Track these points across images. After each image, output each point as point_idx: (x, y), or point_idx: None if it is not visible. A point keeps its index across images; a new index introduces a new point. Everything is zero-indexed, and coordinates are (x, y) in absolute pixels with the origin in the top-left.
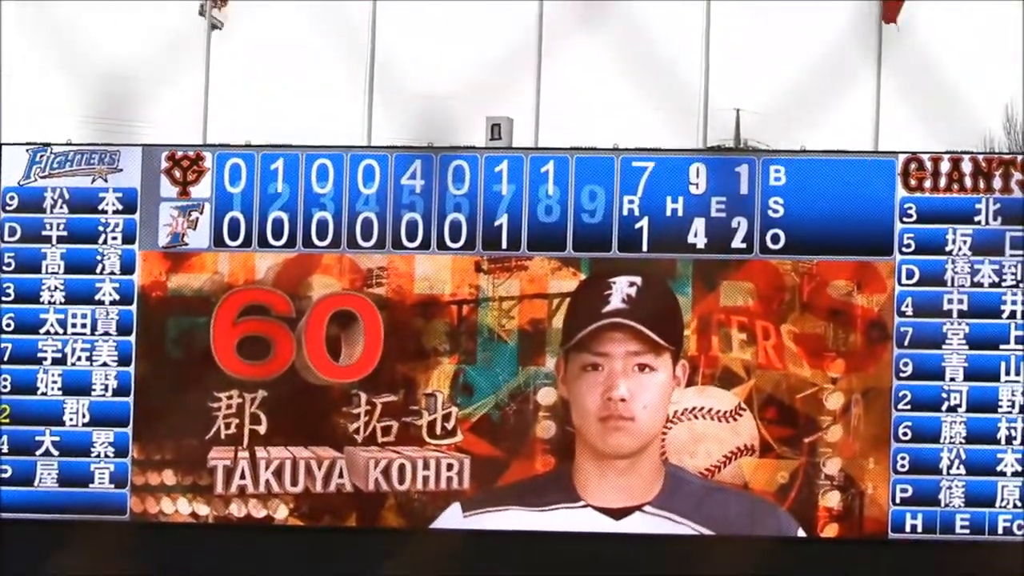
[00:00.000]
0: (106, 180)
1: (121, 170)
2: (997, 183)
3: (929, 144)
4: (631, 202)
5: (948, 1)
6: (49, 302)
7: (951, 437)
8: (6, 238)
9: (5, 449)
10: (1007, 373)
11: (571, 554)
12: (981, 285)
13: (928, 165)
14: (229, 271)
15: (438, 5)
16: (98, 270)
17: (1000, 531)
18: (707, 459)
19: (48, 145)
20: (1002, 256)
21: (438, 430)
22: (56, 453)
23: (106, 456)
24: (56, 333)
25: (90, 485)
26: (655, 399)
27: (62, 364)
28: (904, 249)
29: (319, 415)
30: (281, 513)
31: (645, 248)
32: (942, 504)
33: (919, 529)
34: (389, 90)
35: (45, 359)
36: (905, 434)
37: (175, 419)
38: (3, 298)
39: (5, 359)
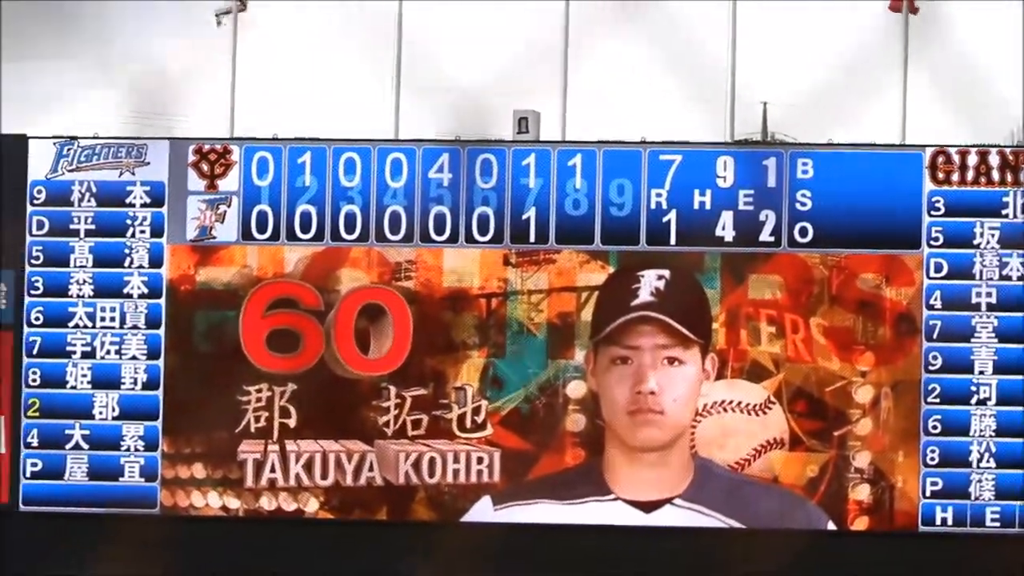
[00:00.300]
0: (133, 173)
1: (148, 163)
2: None
3: (957, 138)
4: (659, 195)
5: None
6: (78, 296)
7: (981, 430)
8: (34, 232)
9: (35, 443)
10: None
11: (602, 546)
12: (1009, 278)
13: (955, 158)
14: (258, 264)
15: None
16: (126, 263)
17: None
18: (737, 452)
19: (75, 139)
20: None
21: (468, 423)
22: (86, 447)
23: (136, 450)
24: (85, 327)
25: (120, 479)
26: (684, 392)
27: (91, 358)
28: (932, 242)
29: (349, 408)
30: (312, 506)
31: (673, 241)
32: (972, 497)
33: (949, 522)
34: (417, 84)
35: (74, 353)
36: (935, 427)
37: (205, 413)
38: (32, 292)
39: (34, 353)
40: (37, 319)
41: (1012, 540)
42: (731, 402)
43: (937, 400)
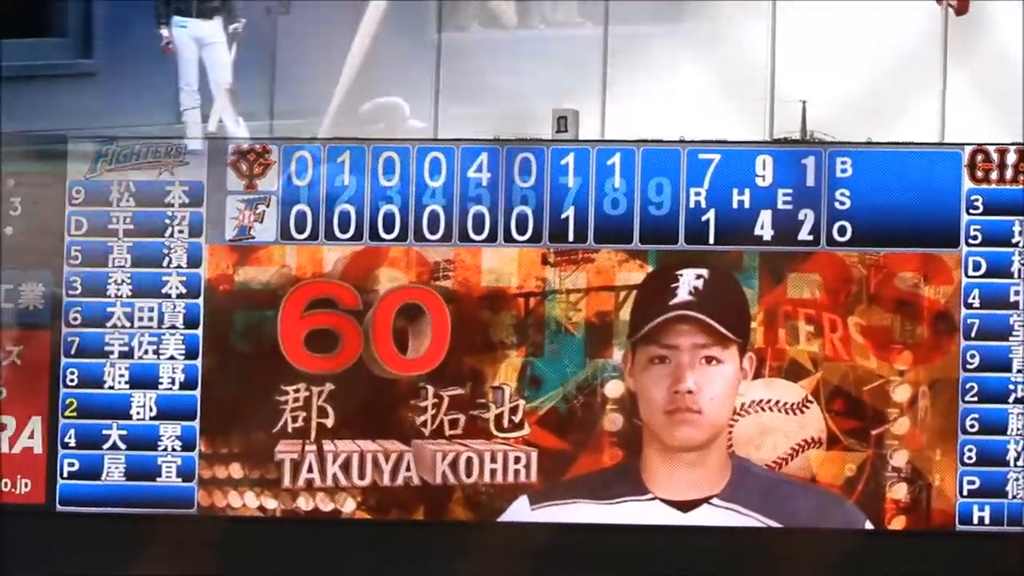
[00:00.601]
0: (172, 173)
1: (187, 163)
2: None
3: (1001, 136)
4: (698, 194)
5: None
6: (116, 295)
7: (1019, 429)
8: (72, 232)
9: (72, 443)
10: None
11: (639, 546)
12: None
13: (994, 157)
14: (296, 264)
15: None
16: (164, 263)
17: None
18: (774, 451)
19: (114, 138)
20: None
21: (505, 423)
22: (123, 447)
23: (173, 450)
24: (123, 327)
25: (157, 479)
26: (722, 392)
27: (129, 358)
28: (971, 241)
29: (386, 408)
30: (349, 506)
31: (712, 240)
32: (1010, 496)
33: (987, 521)
34: (458, 83)
35: (112, 352)
36: (972, 426)
37: (242, 412)
38: (70, 292)
39: (72, 353)
40: (75, 319)
41: None
42: (769, 401)
43: (975, 399)
